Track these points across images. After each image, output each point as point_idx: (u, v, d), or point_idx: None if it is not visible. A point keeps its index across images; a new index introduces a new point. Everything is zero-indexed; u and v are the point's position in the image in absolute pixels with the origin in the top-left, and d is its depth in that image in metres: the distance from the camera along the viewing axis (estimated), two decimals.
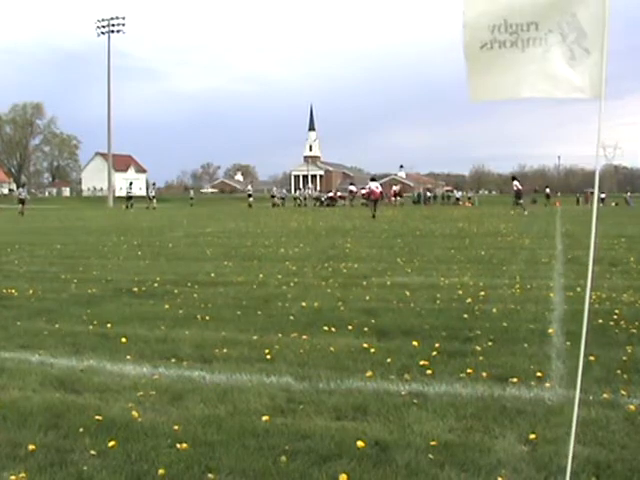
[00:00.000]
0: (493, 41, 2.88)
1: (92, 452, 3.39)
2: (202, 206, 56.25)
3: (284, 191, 62.56)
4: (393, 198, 56.99)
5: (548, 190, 63.05)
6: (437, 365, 4.89)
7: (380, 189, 36.54)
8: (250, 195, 55.75)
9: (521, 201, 38.99)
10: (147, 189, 57.70)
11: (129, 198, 51.81)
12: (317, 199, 60.17)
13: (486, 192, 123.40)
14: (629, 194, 67.90)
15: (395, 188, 59.37)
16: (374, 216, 30.35)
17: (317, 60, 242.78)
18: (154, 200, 50.34)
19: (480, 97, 3.00)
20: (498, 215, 32.76)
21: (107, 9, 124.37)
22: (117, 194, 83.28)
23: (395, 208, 48.17)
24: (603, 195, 65.42)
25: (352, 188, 56.33)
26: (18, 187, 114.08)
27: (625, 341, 5.55)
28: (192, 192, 68.85)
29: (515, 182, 40.29)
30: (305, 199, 60.86)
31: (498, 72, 2.91)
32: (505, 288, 8.56)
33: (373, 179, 38.28)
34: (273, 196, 57.11)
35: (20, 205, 37.30)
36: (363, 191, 42.94)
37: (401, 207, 51.33)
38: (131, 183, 63.07)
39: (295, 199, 60.30)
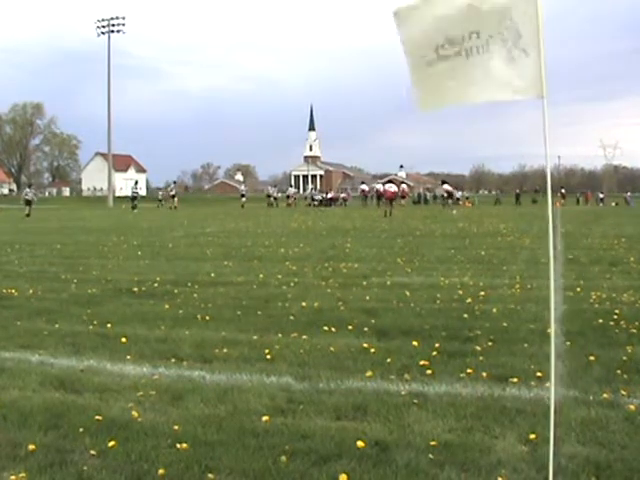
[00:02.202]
0: (438, 58, 2.95)
1: (92, 452, 3.39)
2: (191, 207, 56.21)
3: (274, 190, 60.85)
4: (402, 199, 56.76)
5: (563, 190, 63.03)
6: (437, 365, 4.89)
7: (394, 189, 38.08)
8: (243, 195, 54.76)
9: (450, 201, 43.69)
10: (145, 189, 54.64)
11: (134, 198, 48.07)
12: (312, 198, 59.61)
13: (486, 192, 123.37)
14: (629, 194, 67.93)
15: (404, 187, 58.47)
16: (389, 214, 31.71)
17: (317, 60, 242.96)
18: (175, 199, 47.85)
19: (428, 106, 3.06)
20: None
21: (107, 8, 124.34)
22: (117, 194, 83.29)
23: (398, 208, 48.10)
24: (602, 195, 65.51)
25: (364, 187, 55.15)
26: (19, 187, 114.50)
27: (625, 341, 5.55)
28: (161, 194, 55.37)
29: (445, 186, 44.76)
30: (295, 199, 60.52)
31: (444, 80, 2.96)
32: (505, 288, 8.56)
33: (390, 181, 41.58)
34: (269, 196, 56.65)
35: (27, 207, 35.34)
36: (380, 188, 44.37)
37: (402, 207, 51.29)
38: (136, 182, 60.84)
39: (287, 197, 59.54)
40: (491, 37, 2.83)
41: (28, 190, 39.20)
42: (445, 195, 44.81)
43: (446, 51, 2.90)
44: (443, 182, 47.92)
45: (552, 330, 3.00)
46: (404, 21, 3.01)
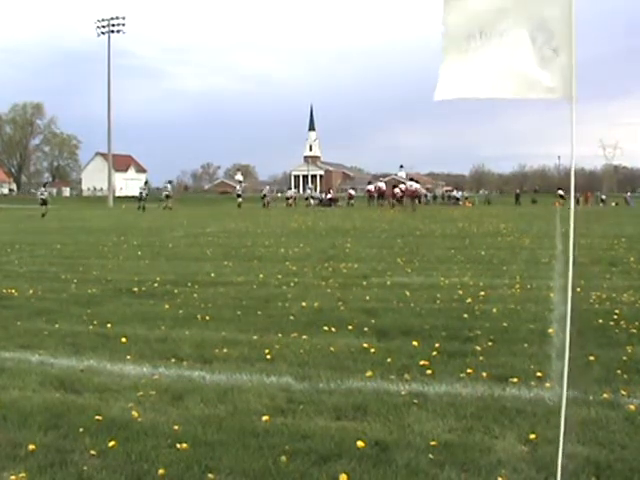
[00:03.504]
0: (468, 46, 2.92)
1: (92, 452, 3.39)
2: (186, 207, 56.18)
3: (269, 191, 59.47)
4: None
5: (561, 192, 63.00)
6: (437, 365, 4.89)
7: (415, 187, 41.67)
8: (239, 195, 53.67)
9: (385, 201, 45.98)
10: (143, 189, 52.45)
11: (141, 199, 45.95)
12: (311, 198, 59.24)
13: (486, 192, 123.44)
14: (629, 194, 67.97)
15: (417, 186, 57.66)
16: (412, 210, 36.73)
17: (317, 60, 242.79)
18: (169, 199, 46.57)
19: (446, 95, 3.01)
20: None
21: (108, 8, 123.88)
22: (117, 194, 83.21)
23: (394, 208, 48.13)
24: (603, 195, 65.54)
25: (381, 185, 52.83)
26: (19, 187, 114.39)
27: (625, 341, 5.55)
28: (142, 192, 48.48)
29: (412, 184, 45.77)
30: (295, 199, 60.17)
31: (470, 72, 2.94)
32: (505, 288, 8.56)
33: (412, 179, 44.81)
34: (264, 196, 56.08)
35: (43, 206, 34.09)
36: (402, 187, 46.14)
37: (399, 208, 51.27)
38: (146, 182, 58.49)
39: (287, 198, 59.03)
40: (521, 34, 2.83)
41: (43, 189, 38.18)
42: (381, 194, 46.11)
43: (477, 42, 2.89)
44: (411, 179, 48.19)
45: (567, 331, 3.00)
46: (453, 3, 2.97)
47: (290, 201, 56.34)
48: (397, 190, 46.04)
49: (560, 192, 62.79)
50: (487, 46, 2.89)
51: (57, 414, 3.93)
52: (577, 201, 64.99)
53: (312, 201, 57.79)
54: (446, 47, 2.98)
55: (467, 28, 2.92)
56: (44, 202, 35.16)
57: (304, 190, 71.74)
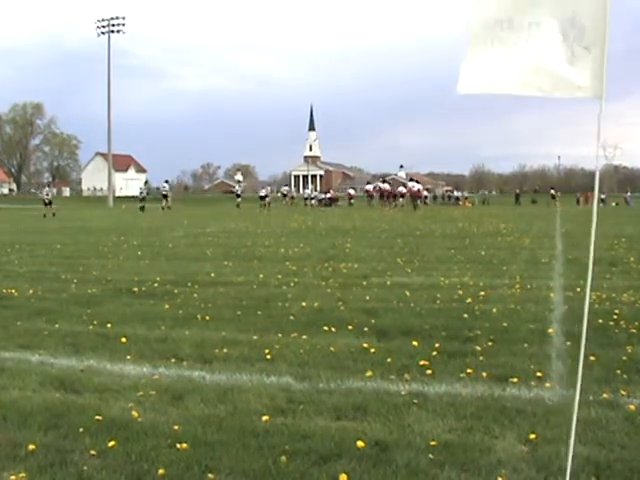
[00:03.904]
0: (494, 37, 2.82)
1: (92, 452, 3.39)
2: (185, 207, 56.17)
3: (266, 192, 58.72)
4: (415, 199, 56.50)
5: (553, 192, 63.07)
6: (437, 365, 4.89)
7: (417, 187, 42.66)
8: (238, 195, 52.85)
9: (388, 201, 45.73)
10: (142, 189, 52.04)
11: (142, 199, 45.28)
12: (311, 198, 59.01)
13: (486, 192, 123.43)
14: (629, 194, 67.95)
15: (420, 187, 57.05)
16: (414, 208, 37.95)
17: (317, 60, 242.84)
18: (167, 199, 46.16)
19: (471, 89, 2.90)
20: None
21: (108, 8, 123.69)
22: (117, 194, 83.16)
23: (396, 208, 48.19)
24: (603, 195, 65.49)
25: (385, 186, 51.01)
26: (19, 187, 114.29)
27: (625, 341, 5.55)
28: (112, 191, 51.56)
29: (384, 184, 47.19)
30: (293, 198, 59.92)
31: (496, 66, 2.84)
32: (505, 288, 8.56)
33: (412, 179, 45.41)
34: (262, 197, 55.59)
35: (48, 206, 33.79)
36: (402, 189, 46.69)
37: (401, 208, 51.26)
38: (146, 182, 58.71)
39: (284, 196, 58.37)
40: (552, 29, 2.75)
41: (48, 189, 37.64)
42: (378, 194, 46.16)
43: (504, 32, 2.80)
44: (384, 181, 49.27)
45: (583, 331, 3.00)
46: None
47: (287, 199, 55.77)
48: (399, 190, 46.28)
49: (552, 192, 62.88)
50: (515, 39, 2.79)
51: (57, 414, 3.93)
52: (577, 201, 65.13)
53: (312, 201, 57.67)
54: (472, 36, 2.86)
55: (495, 17, 2.81)
56: (49, 202, 34.76)
57: (304, 190, 71.31)
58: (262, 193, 55.24)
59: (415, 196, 41.70)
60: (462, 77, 2.88)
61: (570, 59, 2.76)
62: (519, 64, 2.81)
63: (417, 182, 45.49)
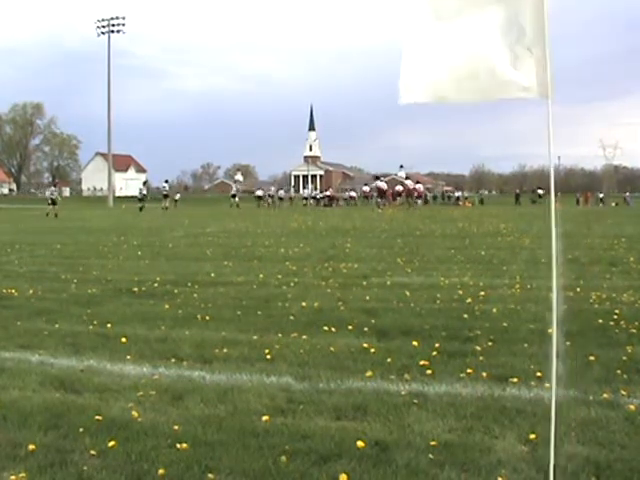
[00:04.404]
0: (431, 42, 2.76)
1: (92, 452, 3.39)
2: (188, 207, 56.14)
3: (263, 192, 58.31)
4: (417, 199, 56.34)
5: (540, 191, 63.08)
6: (437, 365, 4.89)
7: (414, 186, 43.76)
8: (234, 195, 53.00)
9: (380, 200, 44.70)
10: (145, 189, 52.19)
11: (141, 199, 45.72)
12: (312, 198, 58.91)
13: (486, 192, 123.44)
14: (628, 194, 67.96)
15: (418, 186, 56.40)
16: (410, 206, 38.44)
17: (317, 60, 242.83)
18: (167, 199, 46.69)
19: (413, 98, 2.81)
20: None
21: (108, 8, 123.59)
22: (117, 194, 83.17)
23: (396, 208, 48.25)
24: (601, 194, 65.56)
25: (382, 185, 48.83)
26: (19, 187, 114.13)
27: (625, 341, 5.55)
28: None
29: (378, 182, 46.14)
30: (292, 199, 59.72)
31: (434, 73, 2.77)
32: (505, 288, 8.56)
33: (407, 178, 45.00)
34: (259, 197, 55.54)
35: (52, 206, 33.37)
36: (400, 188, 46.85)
37: (399, 207, 51.27)
38: (145, 182, 58.69)
39: (280, 199, 58.02)
40: (491, 31, 2.70)
41: (54, 189, 37.33)
42: (376, 193, 45.63)
43: (442, 39, 2.73)
44: (376, 178, 48.72)
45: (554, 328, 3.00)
46: None
47: (272, 200, 54.89)
48: (397, 188, 46.36)
49: (540, 191, 62.85)
50: (453, 42, 2.72)
51: (57, 414, 3.93)
52: (577, 201, 65.11)
53: (310, 201, 57.64)
54: (408, 42, 2.78)
55: (432, 21, 2.74)
56: (53, 202, 34.43)
57: (303, 190, 71.00)
58: (259, 193, 55.55)
59: (410, 194, 41.99)
60: (402, 86, 2.81)
61: (513, 61, 2.71)
62: (461, 70, 2.75)
63: (414, 181, 45.76)
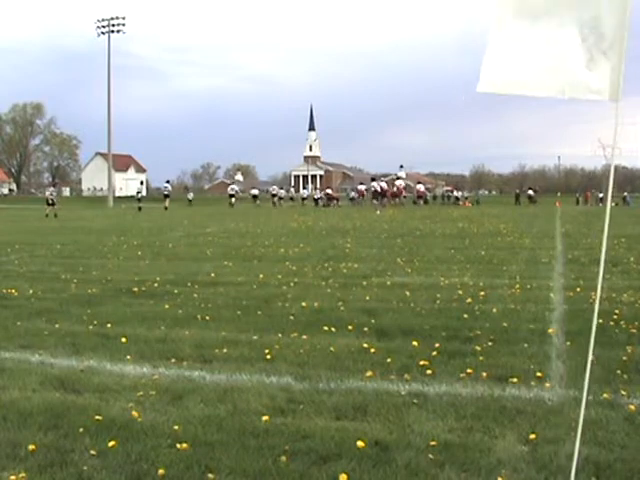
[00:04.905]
0: (517, 37, 2.85)
1: (92, 452, 3.39)
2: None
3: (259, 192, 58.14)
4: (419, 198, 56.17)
5: (531, 192, 63.02)
6: (437, 365, 4.89)
7: (419, 188, 44.89)
8: (232, 195, 52.70)
9: (376, 201, 44.50)
10: (145, 189, 52.45)
11: (139, 199, 46.51)
12: (313, 198, 58.91)
13: (486, 192, 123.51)
14: (627, 194, 67.97)
15: (419, 186, 54.40)
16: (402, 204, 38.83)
17: (317, 60, 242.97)
18: (167, 199, 46.58)
19: (490, 88, 2.91)
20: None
21: (108, 8, 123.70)
22: (117, 194, 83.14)
23: (395, 207, 48.22)
24: (601, 195, 65.52)
25: (383, 185, 48.41)
26: (19, 187, 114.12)
27: (625, 341, 5.55)
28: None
29: (374, 183, 45.98)
30: (292, 199, 59.66)
31: (516, 66, 2.86)
32: (505, 288, 8.56)
33: (398, 177, 46.27)
34: (254, 197, 55.58)
35: (51, 207, 33.37)
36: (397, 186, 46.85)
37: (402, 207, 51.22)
38: (142, 182, 59.45)
39: (273, 196, 57.91)
40: (573, 33, 2.78)
41: (53, 189, 37.34)
42: (376, 193, 45.58)
43: (528, 34, 2.83)
44: (372, 179, 48.50)
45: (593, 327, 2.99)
46: None
47: (275, 200, 54.98)
48: (397, 183, 46.42)
49: (530, 192, 62.83)
50: (537, 39, 2.81)
51: (57, 414, 3.93)
52: (577, 201, 65.12)
53: (306, 200, 57.67)
54: (495, 34, 2.87)
55: (519, 17, 2.83)
56: (52, 202, 34.37)
57: (303, 190, 70.92)
58: (254, 192, 56.05)
59: (399, 194, 42.39)
60: (483, 75, 2.89)
61: (588, 63, 2.78)
62: (539, 65, 2.83)
63: (414, 181, 45.86)
